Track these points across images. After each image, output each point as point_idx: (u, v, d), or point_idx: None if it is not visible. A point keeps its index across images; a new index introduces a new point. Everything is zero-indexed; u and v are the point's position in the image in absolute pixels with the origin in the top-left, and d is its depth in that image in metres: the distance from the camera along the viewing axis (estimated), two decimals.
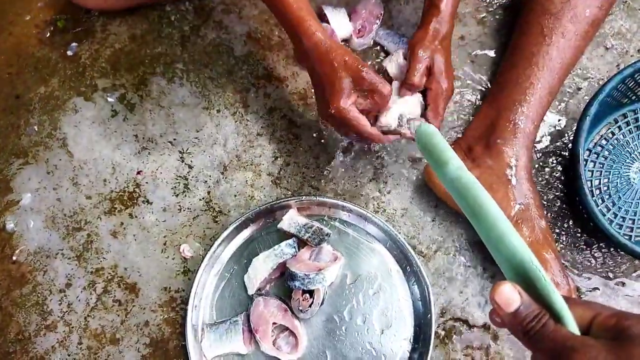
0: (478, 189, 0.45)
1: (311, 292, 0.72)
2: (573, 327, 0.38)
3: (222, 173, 0.84)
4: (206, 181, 0.83)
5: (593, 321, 0.39)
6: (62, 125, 0.88)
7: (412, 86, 0.74)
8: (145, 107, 0.88)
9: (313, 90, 0.75)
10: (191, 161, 0.84)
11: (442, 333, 0.76)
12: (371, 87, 0.69)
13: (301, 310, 0.72)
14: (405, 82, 0.75)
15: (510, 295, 0.39)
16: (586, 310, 0.39)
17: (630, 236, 0.79)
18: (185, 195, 0.83)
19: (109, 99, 0.88)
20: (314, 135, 0.85)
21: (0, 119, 0.89)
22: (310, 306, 0.71)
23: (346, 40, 0.88)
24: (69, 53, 0.92)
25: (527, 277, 0.40)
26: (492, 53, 0.87)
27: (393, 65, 0.83)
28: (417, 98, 0.76)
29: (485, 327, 0.75)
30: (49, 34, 0.93)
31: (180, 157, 0.85)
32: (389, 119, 0.72)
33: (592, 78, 0.86)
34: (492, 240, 0.43)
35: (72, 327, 0.78)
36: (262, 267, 0.73)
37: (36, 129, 0.88)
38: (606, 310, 0.39)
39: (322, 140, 0.84)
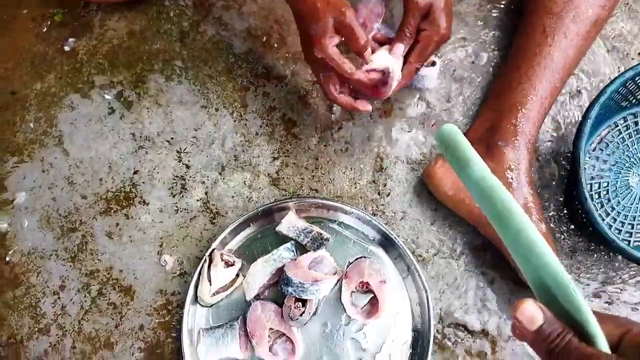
0: (504, 192, 0.39)
1: (304, 301, 0.66)
2: (603, 344, 0.34)
3: (220, 173, 0.77)
4: (204, 182, 0.76)
5: (622, 338, 0.34)
6: (58, 123, 0.80)
7: (408, 39, 0.66)
8: (143, 105, 0.80)
9: (299, 33, 0.67)
10: (189, 161, 0.77)
11: (441, 338, 0.70)
12: (349, 33, 0.62)
13: (291, 318, 0.65)
14: (400, 34, 0.66)
15: (533, 313, 0.35)
16: (615, 326, 0.35)
17: (629, 241, 0.73)
18: (183, 196, 0.76)
19: (106, 96, 0.81)
20: (314, 135, 0.77)
21: None
22: (301, 315, 0.65)
23: None
24: (66, 48, 0.84)
25: (555, 288, 0.35)
26: (494, 54, 0.80)
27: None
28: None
29: (484, 332, 0.69)
30: (45, 29, 0.85)
31: (178, 157, 0.78)
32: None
33: (594, 80, 0.79)
34: (519, 247, 0.38)
35: (66, 331, 0.71)
36: (260, 273, 0.67)
37: (32, 126, 0.80)
38: (636, 327, 0.34)
39: (322, 141, 0.77)
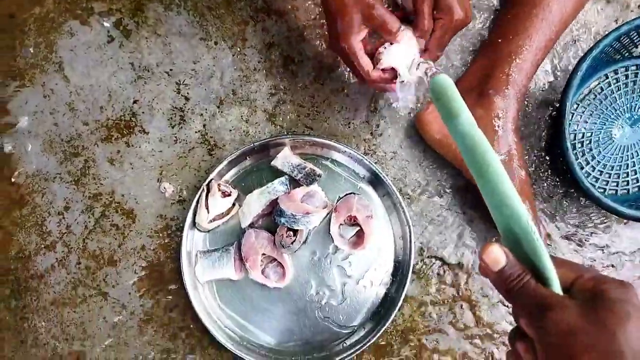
0: (487, 147, 0.43)
1: (295, 231, 0.70)
2: (557, 286, 0.38)
3: (218, 107, 0.78)
4: (202, 114, 0.78)
5: (574, 282, 0.39)
6: (57, 49, 0.80)
7: (424, 32, 0.64)
8: (142, 34, 0.80)
9: (325, 19, 0.67)
10: (188, 93, 0.78)
11: (419, 269, 0.75)
12: (380, 25, 0.62)
13: (283, 245, 0.69)
14: (416, 30, 0.64)
15: (497, 256, 0.39)
16: (569, 271, 0.39)
17: (605, 189, 0.76)
18: (182, 127, 0.78)
19: (105, 24, 0.80)
20: (311, 73, 0.78)
21: None
22: (292, 243, 0.69)
23: None
24: None
25: (521, 236, 0.40)
26: (494, 1, 0.79)
27: None
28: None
29: (459, 265, 0.75)
30: None
31: (177, 89, 0.79)
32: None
33: (590, 31, 0.79)
34: (494, 198, 0.41)
35: (71, 248, 0.75)
36: (255, 204, 0.70)
37: (32, 51, 0.80)
38: (588, 272, 0.39)
39: (319, 80, 0.78)
